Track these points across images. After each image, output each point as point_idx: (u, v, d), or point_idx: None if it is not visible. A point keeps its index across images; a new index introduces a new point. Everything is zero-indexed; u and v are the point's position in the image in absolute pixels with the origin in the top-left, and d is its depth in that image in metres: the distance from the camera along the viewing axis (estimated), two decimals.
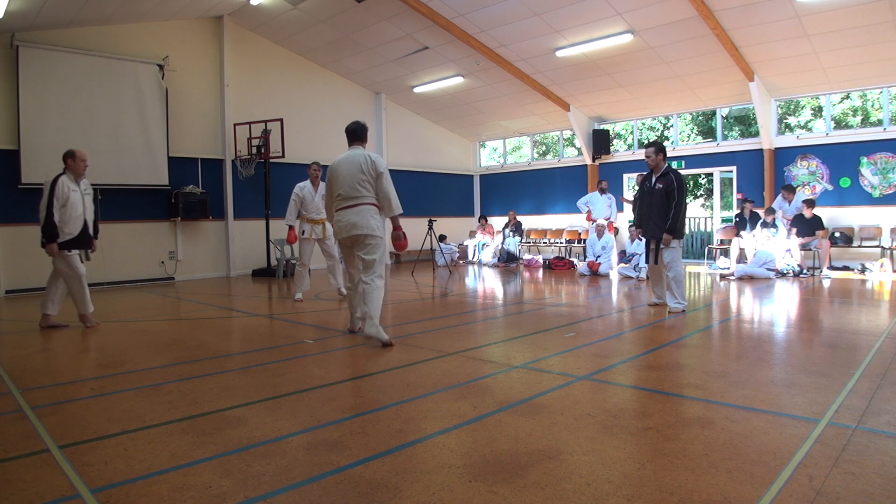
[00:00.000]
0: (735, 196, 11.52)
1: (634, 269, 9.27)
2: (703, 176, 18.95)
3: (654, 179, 5.93)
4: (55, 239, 5.33)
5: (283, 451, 2.41)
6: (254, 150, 10.64)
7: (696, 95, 11.18)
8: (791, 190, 9.96)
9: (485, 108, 13.42)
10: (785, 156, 10.72)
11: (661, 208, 5.83)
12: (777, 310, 6.21)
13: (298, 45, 11.54)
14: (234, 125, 10.83)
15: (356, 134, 4.76)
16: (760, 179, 10.96)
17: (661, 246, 5.90)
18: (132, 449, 2.47)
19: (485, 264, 12.69)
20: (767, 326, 5.21)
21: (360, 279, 4.67)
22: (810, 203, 9.54)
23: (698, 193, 22.20)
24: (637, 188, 6.45)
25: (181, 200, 10.08)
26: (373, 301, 4.52)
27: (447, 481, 2.11)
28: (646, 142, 17.06)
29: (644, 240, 6.46)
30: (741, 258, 9.77)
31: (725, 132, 13.98)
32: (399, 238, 4.76)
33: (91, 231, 5.64)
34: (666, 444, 2.42)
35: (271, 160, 10.79)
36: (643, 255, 9.15)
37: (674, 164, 12.09)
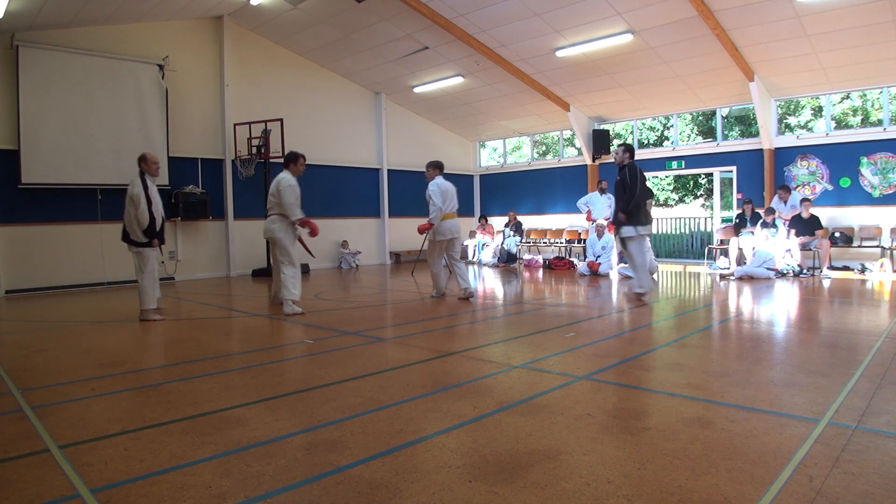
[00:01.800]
0: (735, 196, 11.53)
1: None
2: (703, 176, 18.97)
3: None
4: (157, 235, 5.89)
5: (283, 451, 2.41)
6: (254, 150, 10.64)
7: (696, 95, 11.17)
8: (787, 189, 9.96)
9: (485, 108, 13.42)
10: (785, 156, 10.72)
11: (618, 199, 6.64)
12: (777, 310, 6.21)
13: (298, 45, 11.54)
14: (234, 125, 10.83)
15: (286, 161, 6.26)
16: (760, 179, 10.96)
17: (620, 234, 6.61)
18: (132, 449, 2.47)
19: (485, 264, 12.69)
20: (767, 326, 5.21)
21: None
22: (807, 202, 9.54)
23: (698, 193, 22.22)
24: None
25: (181, 200, 10.08)
26: (288, 286, 6.05)
27: (447, 481, 2.11)
28: (646, 142, 17.12)
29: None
30: (741, 258, 9.77)
31: (725, 132, 13.98)
32: (310, 229, 6.20)
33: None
34: (666, 444, 2.42)
35: (271, 160, 10.77)
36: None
37: (673, 164, 12.16)
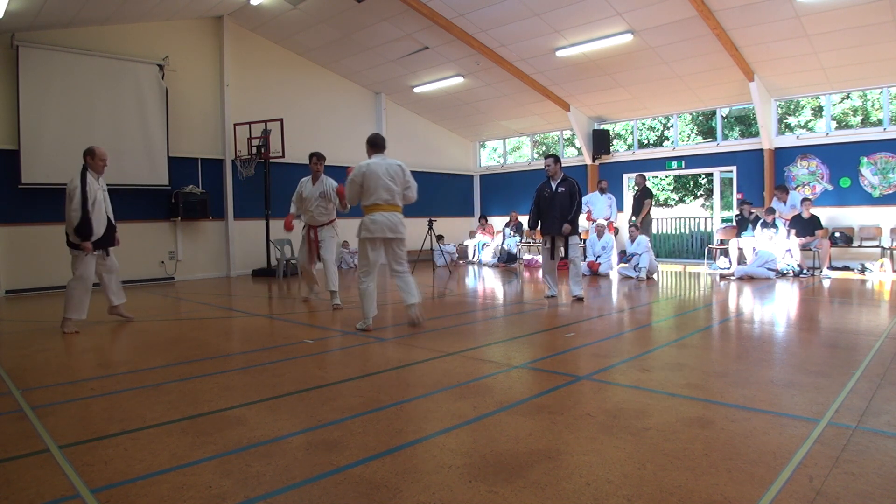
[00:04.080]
0: (735, 196, 11.53)
1: (634, 269, 9.27)
2: (703, 176, 18.96)
3: (554, 185, 7.07)
4: (91, 237, 5.29)
5: (283, 451, 2.41)
6: (254, 150, 10.64)
7: (696, 95, 11.17)
8: (784, 189, 9.96)
9: (485, 108, 13.42)
10: (785, 156, 10.72)
11: (563, 208, 6.96)
12: (777, 310, 6.21)
13: (298, 45, 11.54)
14: (234, 125, 10.83)
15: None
16: (760, 179, 10.96)
17: (566, 239, 6.96)
18: (132, 449, 2.47)
19: (485, 264, 12.69)
20: (767, 326, 5.20)
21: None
22: (807, 202, 9.54)
23: (698, 193, 22.22)
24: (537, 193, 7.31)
25: (181, 200, 10.08)
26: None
27: (447, 481, 2.11)
28: (645, 142, 17.17)
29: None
30: (741, 258, 9.77)
31: (725, 132, 13.98)
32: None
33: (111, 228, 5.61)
34: (666, 444, 2.41)
35: (271, 160, 10.78)
36: (643, 255, 9.20)
37: (673, 164, 12.18)
